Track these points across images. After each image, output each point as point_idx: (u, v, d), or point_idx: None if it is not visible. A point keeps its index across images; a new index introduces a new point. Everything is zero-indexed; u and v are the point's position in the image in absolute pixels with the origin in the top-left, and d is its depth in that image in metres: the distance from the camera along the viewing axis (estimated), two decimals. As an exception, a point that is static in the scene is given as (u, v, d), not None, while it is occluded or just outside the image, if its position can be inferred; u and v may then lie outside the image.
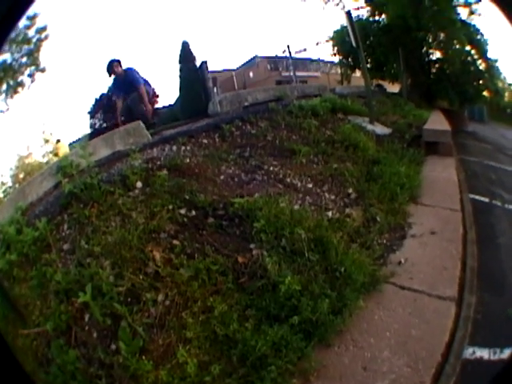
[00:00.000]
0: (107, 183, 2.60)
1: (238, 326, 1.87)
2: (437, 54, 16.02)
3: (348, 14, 6.89)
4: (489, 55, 14.97)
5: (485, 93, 15.50)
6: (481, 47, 14.97)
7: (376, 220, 2.24)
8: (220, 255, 2.07)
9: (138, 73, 6.81)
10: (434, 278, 2.13)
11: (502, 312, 2.24)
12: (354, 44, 6.35)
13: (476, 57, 15.19)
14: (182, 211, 2.08)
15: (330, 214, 2.15)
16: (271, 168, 2.35)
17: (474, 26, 15.12)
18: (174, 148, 2.55)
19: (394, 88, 15.19)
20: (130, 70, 6.70)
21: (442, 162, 3.61)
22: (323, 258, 2.10)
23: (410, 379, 1.71)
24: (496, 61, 15.28)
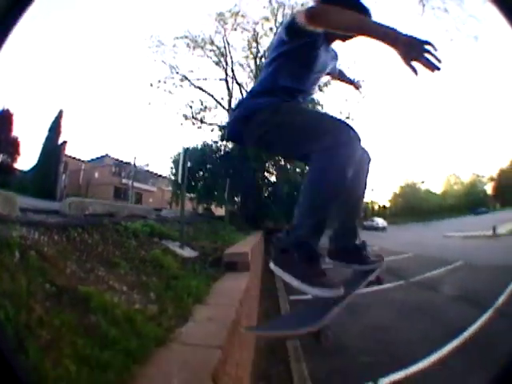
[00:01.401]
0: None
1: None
2: (272, 178, 18.42)
3: (185, 152, 7.17)
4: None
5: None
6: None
7: (167, 312, 2.95)
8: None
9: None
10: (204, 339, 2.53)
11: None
12: (179, 180, 7.21)
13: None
14: (47, 286, 2.57)
15: (136, 306, 2.94)
16: (100, 273, 3.24)
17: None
18: (36, 234, 3.21)
19: (222, 211, 16.61)
20: None
21: (237, 276, 4.49)
22: (130, 328, 2.41)
23: None
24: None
